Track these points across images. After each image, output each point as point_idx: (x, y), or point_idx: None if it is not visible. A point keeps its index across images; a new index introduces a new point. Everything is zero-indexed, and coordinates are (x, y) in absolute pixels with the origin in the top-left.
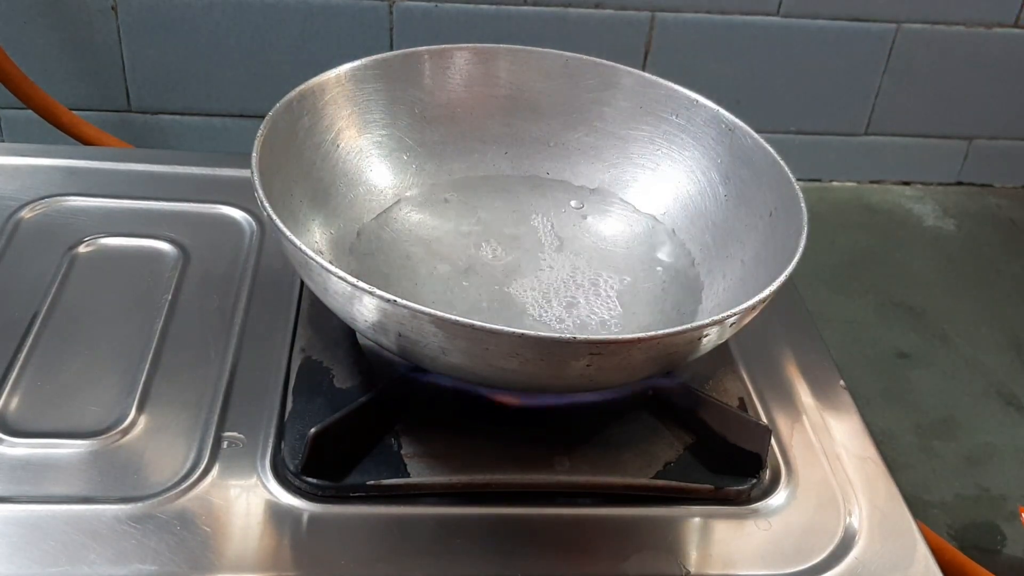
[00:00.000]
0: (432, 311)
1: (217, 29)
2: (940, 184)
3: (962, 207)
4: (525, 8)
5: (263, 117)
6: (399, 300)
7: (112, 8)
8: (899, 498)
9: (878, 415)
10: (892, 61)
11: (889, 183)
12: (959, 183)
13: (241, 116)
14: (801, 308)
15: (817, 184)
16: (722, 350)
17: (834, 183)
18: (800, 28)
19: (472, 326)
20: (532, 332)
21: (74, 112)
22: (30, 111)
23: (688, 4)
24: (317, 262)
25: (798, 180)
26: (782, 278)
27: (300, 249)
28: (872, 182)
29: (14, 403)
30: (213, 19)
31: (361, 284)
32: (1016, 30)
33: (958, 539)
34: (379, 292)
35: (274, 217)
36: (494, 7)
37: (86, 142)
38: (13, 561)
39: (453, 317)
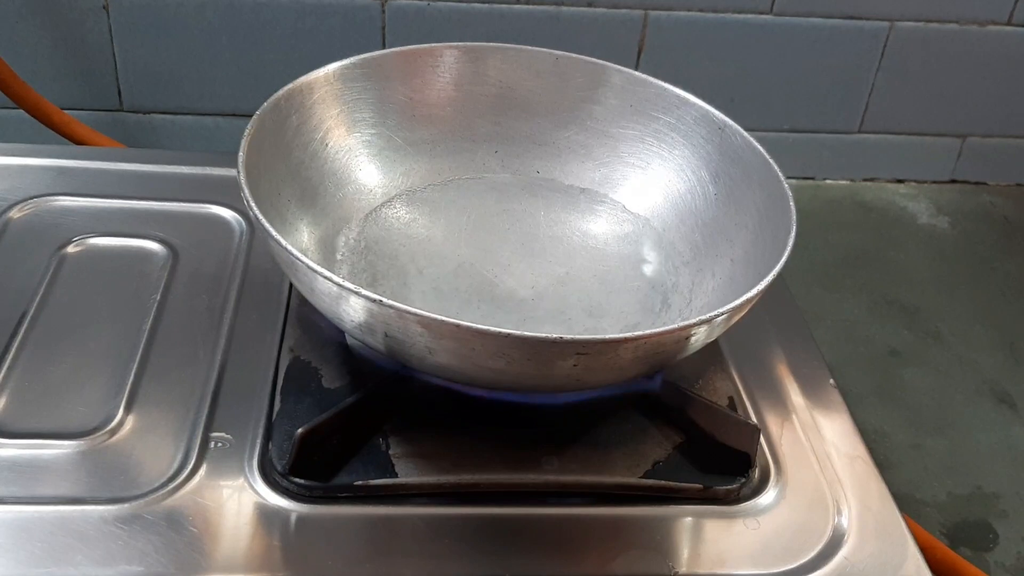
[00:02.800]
0: (418, 311)
1: (209, 28)
2: (934, 182)
3: (956, 205)
4: (518, 7)
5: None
6: (385, 300)
7: (104, 7)
8: (889, 498)
9: (870, 413)
10: (885, 59)
11: (883, 181)
12: (953, 181)
13: (233, 115)
14: (792, 307)
15: (810, 182)
16: (712, 349)
17: (827, 181)
18: (793, 26)
19: (458, 326)
20: (518, 332)
21: (66, 111)
22: (21, 111)
23: (681, 2)
24: (303, 262)
25: (791, 178)
26: (770, 277)
27: (286, 249)
28: (866, 180)
29: (1, 403)
30: (205, 18)
31: (347, 284)
32: (1009, 28)
33: (950, 537)
34: (365, 292)
35: (260, 217)
36: (487, 5)
37: (78, 142)
38: (2, 561)
39: (439, 317)
